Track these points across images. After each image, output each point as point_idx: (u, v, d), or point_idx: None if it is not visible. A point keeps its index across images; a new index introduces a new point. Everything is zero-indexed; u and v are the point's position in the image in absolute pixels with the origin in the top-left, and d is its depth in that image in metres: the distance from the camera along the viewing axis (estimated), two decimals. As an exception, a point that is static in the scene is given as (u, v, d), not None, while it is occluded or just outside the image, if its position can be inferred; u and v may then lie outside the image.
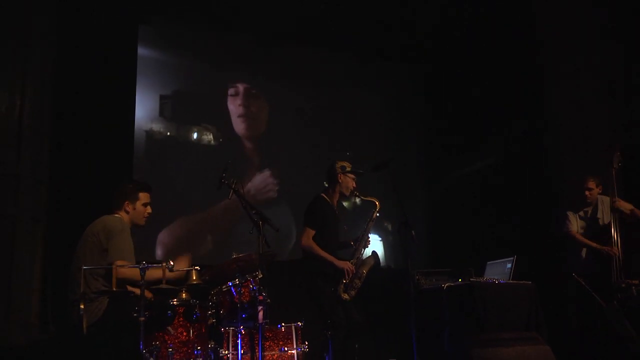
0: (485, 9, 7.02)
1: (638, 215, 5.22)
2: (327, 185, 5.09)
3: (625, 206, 5.22)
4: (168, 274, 3.72)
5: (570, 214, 5.52)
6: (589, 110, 6.44)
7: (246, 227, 4.14)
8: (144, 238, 5.89)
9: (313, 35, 7.23)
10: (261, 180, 7.08)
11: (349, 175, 4.99)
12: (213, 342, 3.92)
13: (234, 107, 7.16)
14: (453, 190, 7.61)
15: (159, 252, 6.29)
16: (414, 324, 4.38)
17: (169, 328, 3.63)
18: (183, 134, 6.81)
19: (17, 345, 4.76)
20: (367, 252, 4.94)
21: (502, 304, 4.64)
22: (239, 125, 7.16)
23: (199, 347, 3.68)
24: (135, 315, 3.44)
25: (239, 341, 3.89)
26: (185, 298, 3.73)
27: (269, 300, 3.92)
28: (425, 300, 4.94)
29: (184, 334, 3.67)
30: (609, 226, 5.27)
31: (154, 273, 3.69)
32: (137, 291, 3.78)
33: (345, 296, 4.72)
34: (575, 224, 5.48)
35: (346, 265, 4.75)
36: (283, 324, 4.21)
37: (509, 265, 5.06)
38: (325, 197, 5.01)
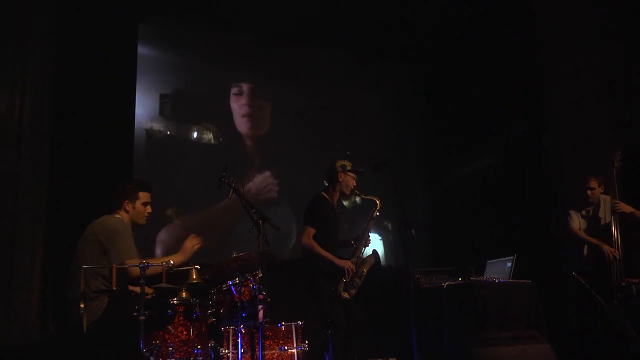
0: (485, 9, 7.02)
1: (639, 217, 5.22)
2: (327, 184, 5.09)
3: (626, 209, 5.23)
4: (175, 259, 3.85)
5: (573, 212, 5.53)
6: (589, 110, 6.44)
7: (246, 226, 4.14)
8: (144, 237, 5.88)
9: (313, 35, 7.23)
10: (261, 180, 7.08)
11: (350, 174, 5.00)
12: (213, 341, 3.93)
13: (238, 106, 7.15)
14: (453, 190, 7.61)
15: (158, 252, 6.29)
16: (414, 322, 4.38)
17: (169, 327, 3.64)
18: (183, 133, 6.81)
19: (17, 345, 4.75)
20: (368, 251, 4.95)
21: (502, 303, 4.65)
22: (243, 125, 7.16)
23: (199, 346, 3.68)
24: (135, 314, 3.45)
25: (239, 340, 3.89)
26: (185, 297, 3.73)
27: (269, 299, 3.92)
28: (426, 299, 4.95)
29: (184, 333, 3.68)
30: (609, 225, 5.27)
31: (170, 259, 3.76)
32: (138, 290, 3.78)
33: (346, 295, 4.73)
34: (578, 222, 5.48)
35: (346, 264, 4.76)
36: (283, 323, 4.21)
37: (509, 264, 5.06)
38: (325, 196, 5.01)
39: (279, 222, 4.20)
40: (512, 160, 7.06)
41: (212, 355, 3.87)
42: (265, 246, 4.01)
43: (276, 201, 7.06)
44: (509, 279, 4.94)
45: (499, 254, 5.38)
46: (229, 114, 7.13)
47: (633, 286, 4.92)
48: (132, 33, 6.39)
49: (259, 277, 3.94)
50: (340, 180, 4.98)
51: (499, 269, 5.16)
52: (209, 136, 6.93)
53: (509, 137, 7.11)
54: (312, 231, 4.81)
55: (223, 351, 4.03)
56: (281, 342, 4.16)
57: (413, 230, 4.57)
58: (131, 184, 4.22)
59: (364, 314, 4.84)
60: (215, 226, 6.65)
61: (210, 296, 4.03)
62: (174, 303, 3.68)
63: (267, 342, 4.11)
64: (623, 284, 4.99)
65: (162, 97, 6.68)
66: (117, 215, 4.09)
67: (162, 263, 3.66)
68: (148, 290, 3.71)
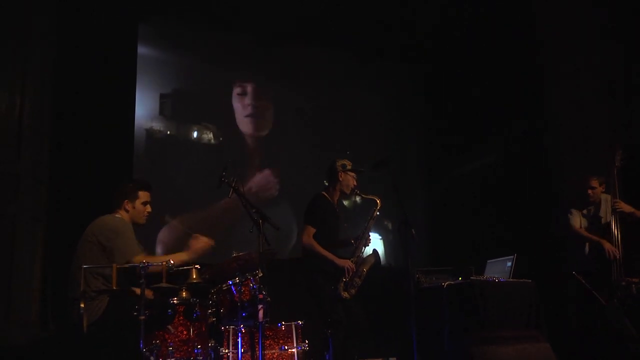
0: (485, 9, 7.02)
1: (639, 216, 5.22)
2: (327, 183, 5.10)
3: (626, 208, 5.23)
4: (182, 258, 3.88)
5: (575, 211, 5.53)
6: (589, 110, 6.44)
7: (246, 225, 4.13)
8: (144, 237, 5.87)
9: (313, 35, 7.23)
10: (262, 178, 7.08)
11: (350, 173, 5.00)
12: (213, 341, 3.92)
13: (242, 106, 7.15)
14: (453, 190, 7.61)
15: (158, 251, 6.29)
16: (414, 322, 4.37)
17: (169, 327, 3.64)
18: (183, 133, 6.81)
19: (17, 345, 4.75)
20: (368, 250, 4.94)
21: (502, 302, 4.65)
22: (246, 125, 7.15)
23: (199, 346, 3.68)
24: (135, 314, 3.44)
25: (239, 340, 3.88)
26: (185, 297, 3.73)
27: (269, 299, 3.91)
28: (426, 299, 4.95)
29: (184, 332, 3.67)
30: (610, 224, 5.27)
31: (177, 257, 3.81)
32: (138, 291, 3.78)
33: (346, 294, 4.72)
34: (579, 220, 5.48)
35: (346, 263, 4.76)
36: (283, 323, 4.21)
37: (509, 264, 5.07)
38: (325, 195, 5.01)
39: (279, 222, 4.20)
40: (512, 160, 7.06)
41: (212, 355, 3.87)
42: (265, 246, 4.00)
43: (276, 201, 7.06)
44: (509, 278, 4.94)
45: (499, 253, 5.38)
46: (229, 114, 7.12)
47: (633, 285, 4.92)
48: (132, 33, 6.39)
49: (259, 277, 3.93)
50: (341, 179, 4.98)
51: (499, 269, 5.16)
52: (209, 136, 6.93)
53: (509, 137, 7.11)
54: (312, 231, 4.81)
55: (223, 351, 4.04)
56: (281, 341, 4.17)
57: (413, 230, 4.57)
58: (131, 184, 4.23)
59: (364, 314, 4.83)
60: (215, 226, 6.64)
61: (210, 296, 4.02)
62: (174, 303, 3.68)
63: (267, 342, 4.11)
64: (623, 283, 4.99)
65: (162, 97, 6.68)
66: (117, 215, 4.09)
67: (162, 262, 3.66)
68: (148, 293, 3.71)
